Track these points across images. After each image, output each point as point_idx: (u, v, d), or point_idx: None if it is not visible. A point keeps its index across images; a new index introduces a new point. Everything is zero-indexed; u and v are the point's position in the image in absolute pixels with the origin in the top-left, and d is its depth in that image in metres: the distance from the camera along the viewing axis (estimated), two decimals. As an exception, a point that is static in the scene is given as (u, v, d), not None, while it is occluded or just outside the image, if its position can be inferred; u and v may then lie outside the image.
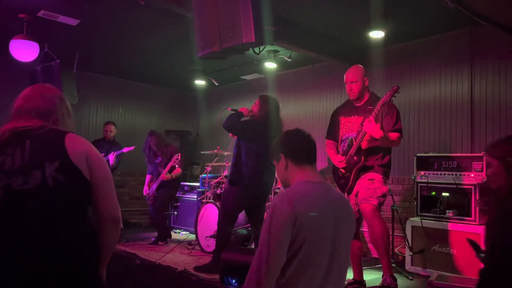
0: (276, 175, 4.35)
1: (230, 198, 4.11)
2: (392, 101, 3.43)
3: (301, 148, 1.92)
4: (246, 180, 4.01)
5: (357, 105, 3.71)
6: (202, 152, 6.87)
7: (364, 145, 3.52)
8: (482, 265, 1.87)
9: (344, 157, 3.62)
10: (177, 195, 6.59)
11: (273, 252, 1.64)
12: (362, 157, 3.52)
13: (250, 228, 4.75)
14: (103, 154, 5.55)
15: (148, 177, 5.98)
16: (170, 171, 5.69)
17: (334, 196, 1.88)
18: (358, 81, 3.62)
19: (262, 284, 1.63)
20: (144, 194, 5.89)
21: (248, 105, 4.33)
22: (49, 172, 1.46)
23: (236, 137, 4.23)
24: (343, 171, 3.65)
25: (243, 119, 4.09)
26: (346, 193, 3.64)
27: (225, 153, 5.76)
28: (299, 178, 1.87)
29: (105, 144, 5.99)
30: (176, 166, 5.69)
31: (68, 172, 1.49)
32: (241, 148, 4.05)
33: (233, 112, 4.19)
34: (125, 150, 5.96)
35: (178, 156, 5.63)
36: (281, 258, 1.66)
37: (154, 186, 5.75)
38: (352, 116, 3.70)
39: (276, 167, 1.99)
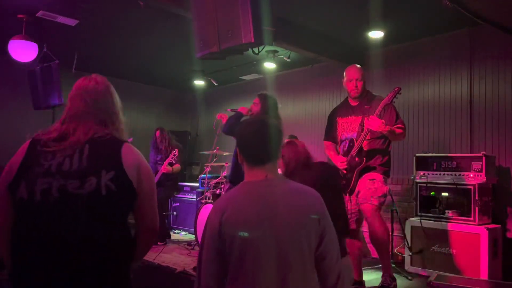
0: None
1: None
2: (394, 102, 3.43)
3: (250, 147, 1.73)
4: None
5: (354, 104, 3.71)
6: (201, 153, 6.86)
7: (365, 146, 3.52)
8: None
9: (346, 158, 3.61)
10: (177, 195, 6.58)
11: (204, 269, 1.60)
12: (364, 158, 3.51)
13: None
14: None
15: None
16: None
17: (276, 194, 1.66)
18: (363, 79, 3.66)
19: None
20: None
21: (247, 106, 4.32)
22: (104, 181, 1.48)
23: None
24: (344, 172, 3.64)
25: (243, 119, 4.06)
26: (347, 194, 3.63)
27: (224, 154, 5.76)
28: (246, 179, 1.74)
29: None
30: (174, 162, 5.69)
31: (121, 182, 1.51)
32: None
33: (233, 112, 4.17)
34: None
35: (175, 152, 5.63)
36: (211, 274, 1.58)
37: (153, 185, 5.74)
38: (350, 116, 3.70)
39: None
